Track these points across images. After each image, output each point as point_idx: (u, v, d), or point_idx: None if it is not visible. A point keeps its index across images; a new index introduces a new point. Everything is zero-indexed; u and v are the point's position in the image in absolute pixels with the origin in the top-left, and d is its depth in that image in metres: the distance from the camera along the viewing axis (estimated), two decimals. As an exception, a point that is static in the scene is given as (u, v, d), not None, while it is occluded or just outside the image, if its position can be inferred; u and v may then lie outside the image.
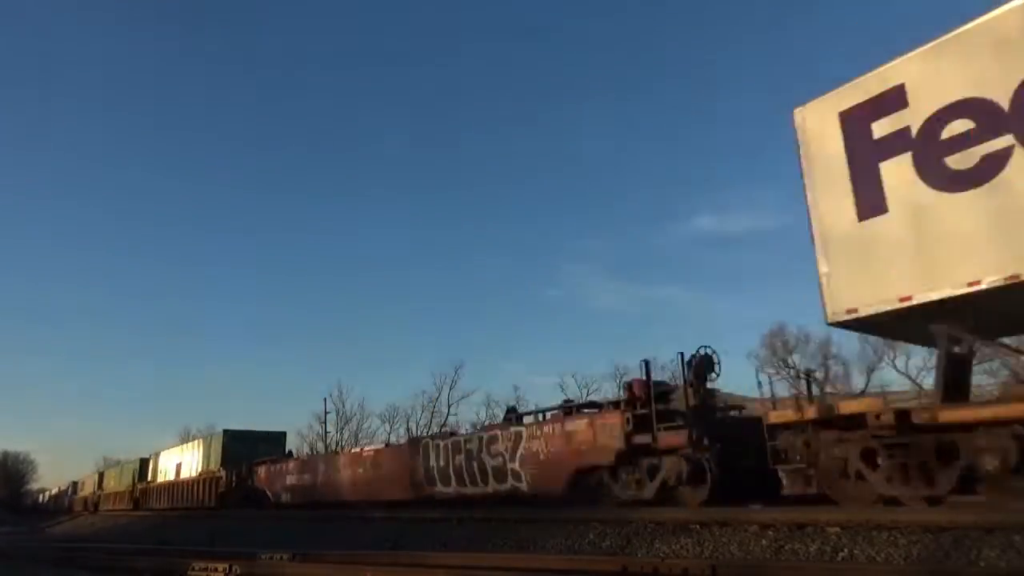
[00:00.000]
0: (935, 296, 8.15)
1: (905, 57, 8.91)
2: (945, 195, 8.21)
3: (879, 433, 8.62)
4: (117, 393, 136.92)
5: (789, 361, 47.11)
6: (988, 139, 7.83)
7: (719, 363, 12.07)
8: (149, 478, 37.19)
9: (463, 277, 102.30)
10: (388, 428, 54.72)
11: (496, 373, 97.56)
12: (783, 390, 36.19)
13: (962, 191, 8.05)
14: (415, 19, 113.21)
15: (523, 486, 13.80)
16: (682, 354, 11.92)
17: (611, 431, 12.09)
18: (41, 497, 74.83)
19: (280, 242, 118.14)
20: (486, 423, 33.64)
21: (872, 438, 8.71)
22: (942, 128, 8.29)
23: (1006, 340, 10.55)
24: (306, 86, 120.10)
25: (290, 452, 29.67)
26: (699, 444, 10.80)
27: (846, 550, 7.29)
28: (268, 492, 24.02)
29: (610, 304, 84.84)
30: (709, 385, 12.11)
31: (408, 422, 53.72)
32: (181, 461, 33.14)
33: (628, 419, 11.80)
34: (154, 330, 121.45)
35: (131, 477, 39.49)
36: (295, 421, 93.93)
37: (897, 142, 8.71)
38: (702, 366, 11.91)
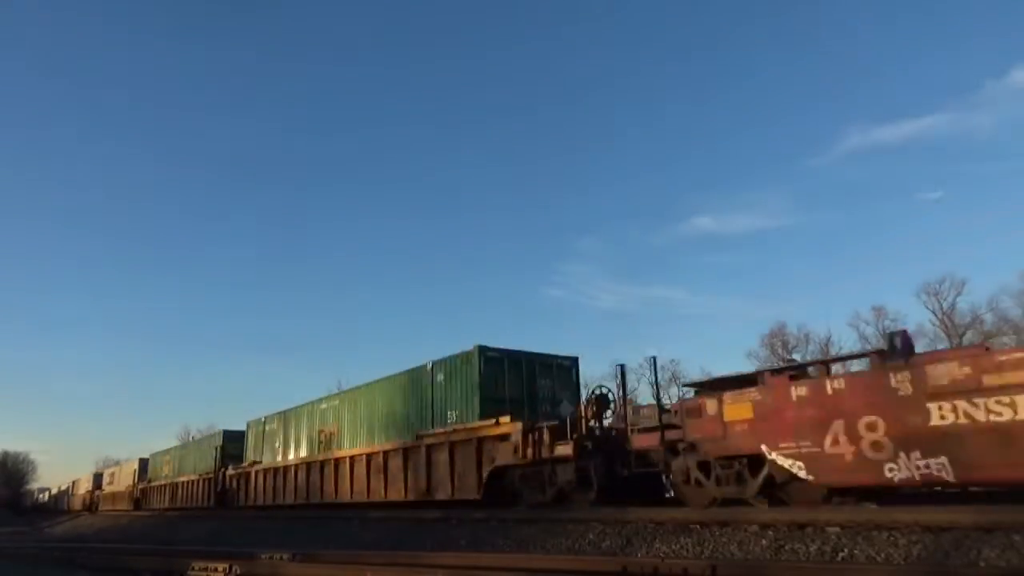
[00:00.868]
0: None
1: None
2: None
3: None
4: (117, 393, 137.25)
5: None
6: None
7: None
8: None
9: (463, 277, 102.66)
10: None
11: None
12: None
13: None
14: (415, 17, 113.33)
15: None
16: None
17: None
18: (41, 497, 74.86)
19: (280, 242, 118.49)
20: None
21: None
22: None
23: None
24: (307, 76, 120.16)
25: None
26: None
27: (846, 550, 7.29)
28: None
29: (611, 304, 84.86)
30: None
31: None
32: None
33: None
34: (154, 330, 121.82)
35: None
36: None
37: None
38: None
